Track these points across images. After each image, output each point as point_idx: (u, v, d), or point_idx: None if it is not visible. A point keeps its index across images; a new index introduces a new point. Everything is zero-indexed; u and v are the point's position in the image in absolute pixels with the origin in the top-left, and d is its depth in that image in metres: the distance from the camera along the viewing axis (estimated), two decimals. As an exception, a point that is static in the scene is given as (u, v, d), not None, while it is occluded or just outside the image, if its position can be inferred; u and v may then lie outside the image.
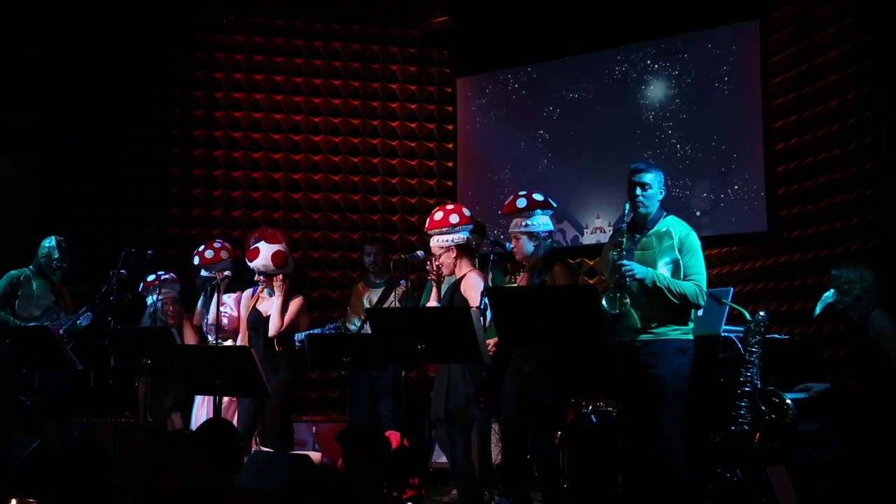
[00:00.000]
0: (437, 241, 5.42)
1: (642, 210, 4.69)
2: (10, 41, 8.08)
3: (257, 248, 6.20)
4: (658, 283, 4.50)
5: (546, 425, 5.07)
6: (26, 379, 6.38)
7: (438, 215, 5.44)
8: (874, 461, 4.83)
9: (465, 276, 5.29)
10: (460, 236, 5.35)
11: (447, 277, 5.56)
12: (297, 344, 6.29)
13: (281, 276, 6.13)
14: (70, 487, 3.21)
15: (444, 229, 5.37)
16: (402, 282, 6.52)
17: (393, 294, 6.76)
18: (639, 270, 4.50)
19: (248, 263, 6.25)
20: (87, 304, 6.84)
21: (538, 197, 5.26)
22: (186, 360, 5.44)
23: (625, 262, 4.50)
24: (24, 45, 8.12)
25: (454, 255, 5.37)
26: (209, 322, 6.47)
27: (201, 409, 6.41)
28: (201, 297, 6.80)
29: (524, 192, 5.33)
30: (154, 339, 5.66)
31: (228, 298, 6.69)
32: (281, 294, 6.12)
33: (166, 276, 6.85)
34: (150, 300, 6.82)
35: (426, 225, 5.52)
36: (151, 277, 6.84)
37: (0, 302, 6.83)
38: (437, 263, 5.42)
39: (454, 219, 5.34)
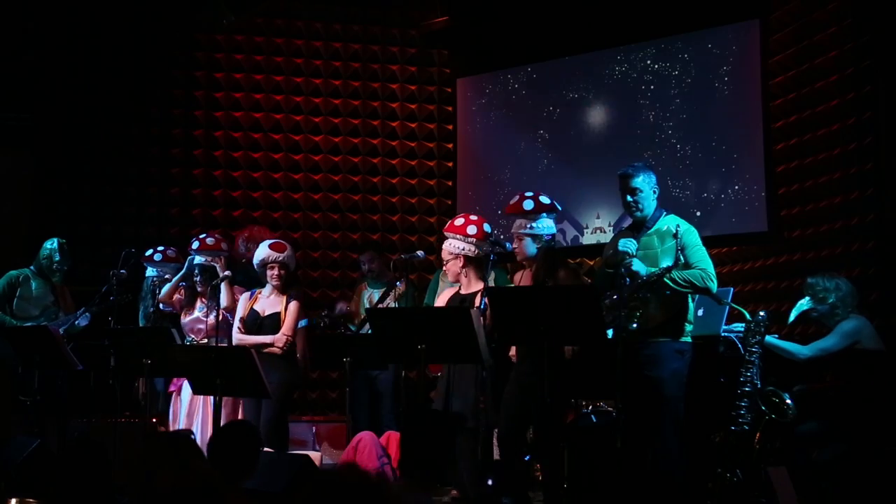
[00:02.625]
0: (447, 245, 5.42)
1: (638, 214, 4.72)
2: (10, 41, 8.08)
3: (260, 242, 6.23)
4: (664, 275, 4.49)
5: (550, 425, 5.06)
6: (26, 379, 6.37)
7: (459, 221, 5.43)
8: (873, 461, 4.84)
9: (481, 290, 5.28)
10: (471, 248, 5.34)
11: (451, 283, 5.56)
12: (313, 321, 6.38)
13: (276, 267, 6.10)
14: (70, 487, 3.20)
15: (458, 236, 5.35)
16: (399, 283, 6.52)
17: (392, 294, 6.76)
18: (638, 266, 4.50)
19: (255, 260, 6.22)
20: (87, 304, 6.85)
21: (545, 200, 5.21)
22: (186, 360, 5.44)
23: (628, 259, 4.52)
24: (24, 45, 8.12)
25: (461, 263, 5.36)
26: (205, 321, 6.45)
27: (195, 410, 6.37)
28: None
29: (531, 194, 5.24)
30: (154, 339, 5.66)
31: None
32: (278, 284, 6.10)
33: (170, 253, 6.91)
34: (150, 273, 6.85)
35: (445, 226, 5.53)
36: (150, 252, 6.88)
37: (-1, 302, 6.85)
38: (444, 268, 5.44)
39: (471, 230, 5.34)
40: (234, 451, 3.64)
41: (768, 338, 5.19)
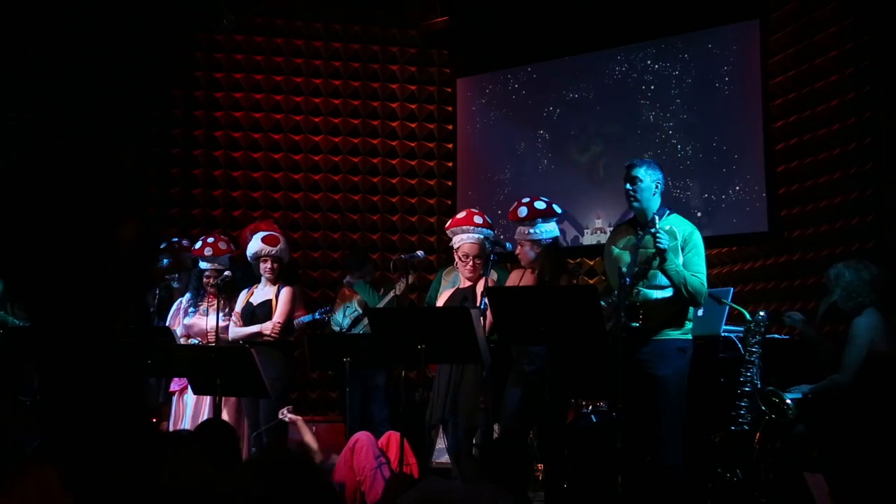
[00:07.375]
0: (474, 240, 5.39)
1: (635, 204, 4.72)
2: (11, 41, 8.07)
3: (252, 238, 6.26)
4: (668, 265, 4.49)
5: (553, 426, 5.06)
6: (26, 379, 6.38)
7: (478, 219, 5.46)
8: (872, 461, 4.83)
9: (483, 280, 5.29)
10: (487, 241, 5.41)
11: (453, 278, 5.57)
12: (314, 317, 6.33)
13: (269, 261, 6.13)
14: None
15: (486, 230, 5.40)
16: (399, 283, 6.55)
17: (392, 292, 6.78)
18: (665, 240, 4.49)
19: (248, 254, 6.25)
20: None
21: (540, 205, 5.23)
22: (186, 359, 5.45)
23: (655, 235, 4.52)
24: (24, 45, 8.11)
25: (485, 257, 5.40)
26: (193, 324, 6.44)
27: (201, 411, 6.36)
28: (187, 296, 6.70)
29: (526, 200, 5.28)
30: (154, 339, 5.66)
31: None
32: (271, 277, 6.12)
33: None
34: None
35: (476, 221, 5.49)
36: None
37: (0, 301, 6.85)
38: (469, 263, 5.40)
39: (489, 220, 5.45)
40: (218, 448, 3.61)
41: (805, 388, 5.11)
